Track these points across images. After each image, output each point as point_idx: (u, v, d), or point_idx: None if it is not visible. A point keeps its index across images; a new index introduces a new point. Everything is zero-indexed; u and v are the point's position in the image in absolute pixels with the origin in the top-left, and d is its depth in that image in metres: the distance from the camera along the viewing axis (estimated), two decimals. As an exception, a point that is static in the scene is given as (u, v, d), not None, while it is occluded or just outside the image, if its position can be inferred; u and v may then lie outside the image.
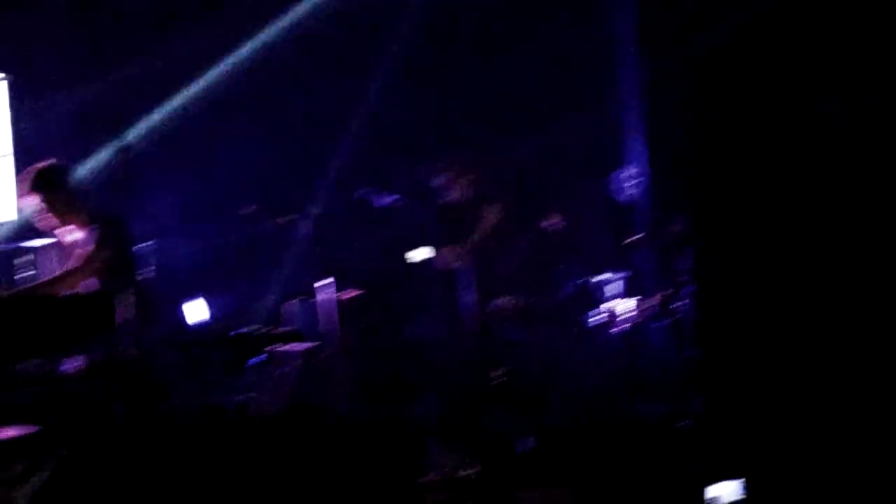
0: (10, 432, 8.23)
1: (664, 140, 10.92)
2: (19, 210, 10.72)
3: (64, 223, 7.66)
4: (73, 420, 6.59)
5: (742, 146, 10.41)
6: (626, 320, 9.72)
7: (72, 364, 7.37)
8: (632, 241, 9.99)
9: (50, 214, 7.60)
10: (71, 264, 7.54)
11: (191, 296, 9.66)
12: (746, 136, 10.43)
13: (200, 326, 8.42)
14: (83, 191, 7.77)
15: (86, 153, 10.58)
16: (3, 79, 11.19)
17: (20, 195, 7.69)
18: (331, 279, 8.83)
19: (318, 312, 9.15)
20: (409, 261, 9.40)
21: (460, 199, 9.05)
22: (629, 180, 10.70)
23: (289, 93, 12.12)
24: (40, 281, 7.76)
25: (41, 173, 7.58)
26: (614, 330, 9.82)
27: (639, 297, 9.94)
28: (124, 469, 6.38)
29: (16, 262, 9.07)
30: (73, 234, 7.68)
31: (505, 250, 9.16)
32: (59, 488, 6.51)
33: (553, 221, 9.54)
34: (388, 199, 8.76)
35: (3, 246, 9.50)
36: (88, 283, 7.48)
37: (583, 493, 6.65)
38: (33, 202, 7.59)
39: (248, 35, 11.83)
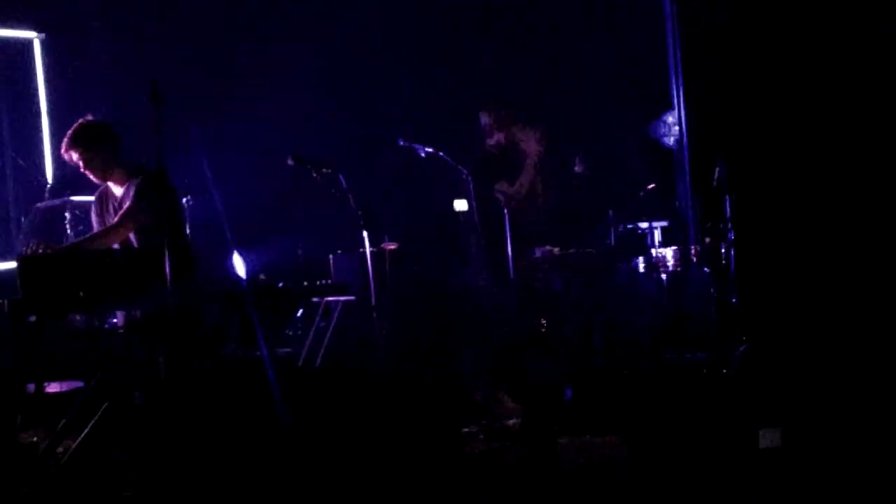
0: (55, 387, 8.30)
1: (704, 86, 10.87)
2: (58, 166, 10.79)
3: (105, 179, 7.66)
4: (118, 374, 6.61)
5: (782, 91, 10.35)
6: (667, 268, 9.69)
7: (117, 319, 7.40)
8: (648, 190, 9.93)
9: (91, 170, 7.60)
10: (111, 221, 7.56)
11: (230, 250, 9.68)
12: (787, 81, 10.36)
13: (243, 280, 8.40)
14: (123, 146, 7.74)
15: (119, 108, 10.60)
16: (36, 37, 11.22)
17: (63, 151, 7.68)
18: (370, 231, 8.81)
19: (360, 264, 9.15)
20: (455, 209, 9.37)
21: (501, 141, 9.01)
22: (671, 126, 10.65)
23: (327, 44, 12.10)
24: (81, 238, 7.77)
25: (81, 129, 7.57)
26: (655, 277, 9.80)
27: (680, 244, 9.91)
28: (166, 422, 6.39)
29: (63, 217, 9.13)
30: (115, 190, 7.68)
31: (546, 197, 9.13)
32: (101, 442, 6.54)
33: (581, 168, 9.48)
34: (427, 150, 8.73)
35: (44, 203, 9.56)
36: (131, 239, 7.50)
37: (625, 441, 6.63)
38: (74, 158, 7.58)
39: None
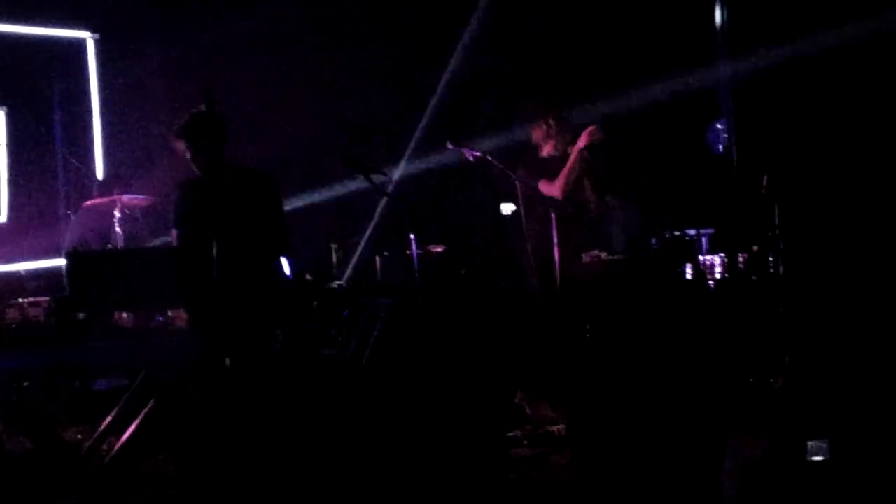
0: (101, 384, 8.34)
1: (752, 94, 10.84)
2: (108, 165, 10.86)
3: (207, 173, 7.45)
4: (163, 373, 6.62)
5: (829, 100, 10.31)
6: (714, 275, 9.64)
7: (166, 318, 7.40)
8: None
9: (196, 162, 7.42)
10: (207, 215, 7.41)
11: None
12: (833, 91, 10.32)
13: (291, 280, 8.43)
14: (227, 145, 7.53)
15: (171, 109, 10.67)
16: (89, 37, 11.30)
17: (174, 139, 7.49)
18: (417, 233, 8.80)
19: (406, 266, 9.16)
20: (502, 213, 9.35)
21: (553, 151, 8.99)
22: (721, 132, 10.61)
23: (374, 49, 12.12)
24: None
25: (194, 120, 7.38)
26: (703, 284, 9.75)
27: (727, 252, 9.87)
28: (214, 420, 6.41)
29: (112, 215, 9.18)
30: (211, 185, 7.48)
31: (594, 203, 9.09)
32: (146, 440, 6.56)
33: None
34: (475, 154, 8.70)
35: (93, 201, 9.60)
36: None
37: (670, 447, 6.60)
38: (182, 148, 7.41)
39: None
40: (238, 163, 7.53)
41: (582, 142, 8.73)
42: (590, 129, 8.76)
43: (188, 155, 7.39)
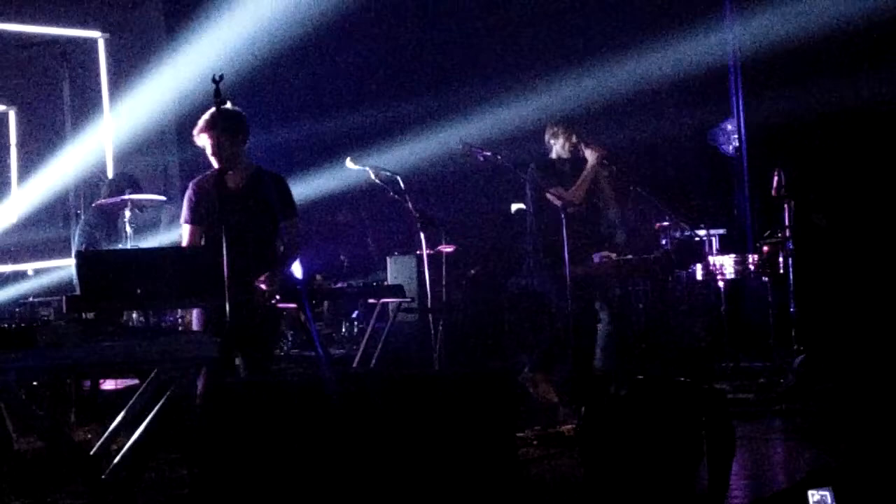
0: (110, 384, 8.33)
1: (763, 94, 10.82)
2: (118, 165, 10.86)
3: (228, 168, 7.39)
4: (175, 372, 6.61)
5: (842, 99, 10.29)
6: (724, 275, 9.64)
7: (174, 317, 7.40)
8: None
9: (217, 157, 7.36)
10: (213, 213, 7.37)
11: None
12: (846, 90, 10.30)
13: (300, 280, 8.40)
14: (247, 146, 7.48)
15: (179, 108, 10.68)
16: (101, 37, 11.31)
17: (195, 133, 7.45)
18: (428, 233, 8.79)
19: (417, 266, 9.15)
20: (512, 213, 9.34)
21: (562, 153, 8.98)
22: (731, 133, 10.61)
23: (382, 49, 12.13)
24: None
25: (219, 114, 7.31)
26: (713, 285, 9.75)
27: (737, 252, 9.86)
28: (222, 421, 6.40)
29: (122, 214, 9.17)
30: (229, 182, 7.43)
31: (606, 203, 9.08)
32: (155, 440, 6.55)
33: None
34: (485, 154, 8.70)
35: (103, 200, 9.60)
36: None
37: (678, 450, 6.58)
38: (204, 140, 7.37)
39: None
40: (257, 167, 7.51)
41: (592, 158, 8.78)
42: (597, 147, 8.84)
43: (209, 148, 7.36)
